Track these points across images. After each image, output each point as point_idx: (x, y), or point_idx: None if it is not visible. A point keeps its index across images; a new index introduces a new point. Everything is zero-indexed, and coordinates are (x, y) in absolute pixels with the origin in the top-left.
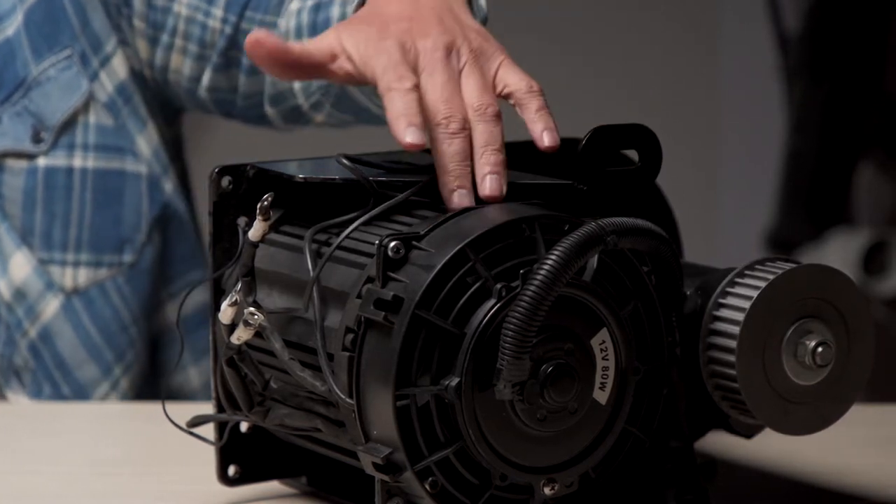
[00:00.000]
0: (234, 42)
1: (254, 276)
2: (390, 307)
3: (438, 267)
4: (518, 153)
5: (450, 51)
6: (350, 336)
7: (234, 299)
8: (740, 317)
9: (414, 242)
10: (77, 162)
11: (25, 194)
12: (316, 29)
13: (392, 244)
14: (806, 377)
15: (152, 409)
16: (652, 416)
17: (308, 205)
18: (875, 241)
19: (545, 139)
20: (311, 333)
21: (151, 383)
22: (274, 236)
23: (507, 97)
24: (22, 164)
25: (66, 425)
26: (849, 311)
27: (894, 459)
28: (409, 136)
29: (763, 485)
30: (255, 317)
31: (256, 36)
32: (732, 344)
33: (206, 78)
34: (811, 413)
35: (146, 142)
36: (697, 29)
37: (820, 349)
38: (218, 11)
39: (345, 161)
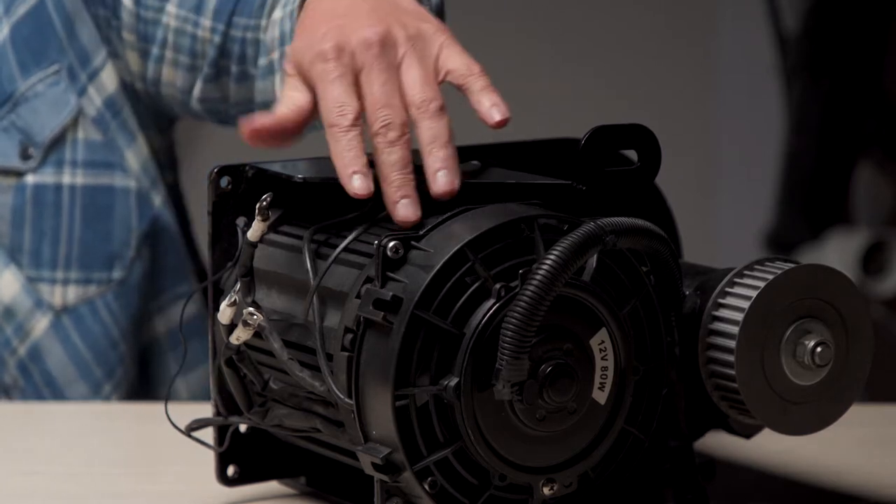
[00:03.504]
0: (223, 51)
1: (253, 277)
2: (389, 307)
3: (437, 267)
4: (517, 153)
5: (385, 43)
6: (349, 336)
7: (232, 299)
8: (739, 317)
9: (413, 242)
10: (66, 179)
11: (14, 212)
12: None
13: (391, 244)
14: (805, 377)
15: (152, 409)
16: (651, 415)
17: (307, 205)
18: (874, 242)
19: (494, 115)
20: (311, 334)
21: (141, 398)
22: (273, 236)
23: (450, 83)
24: (10, 181)
25: (65, 425)
26: (848, 312)
27: (894, 459)
28: (355, 185)
29: (762, 485)
30: (254, 317)
31: (251, 125)
32: (731, 344)
33: (197, 89)
34: (810, 413)
35: (135, 155)
36: (696, 29)
37: (819, 349)
38: (206, 21)
39: None
